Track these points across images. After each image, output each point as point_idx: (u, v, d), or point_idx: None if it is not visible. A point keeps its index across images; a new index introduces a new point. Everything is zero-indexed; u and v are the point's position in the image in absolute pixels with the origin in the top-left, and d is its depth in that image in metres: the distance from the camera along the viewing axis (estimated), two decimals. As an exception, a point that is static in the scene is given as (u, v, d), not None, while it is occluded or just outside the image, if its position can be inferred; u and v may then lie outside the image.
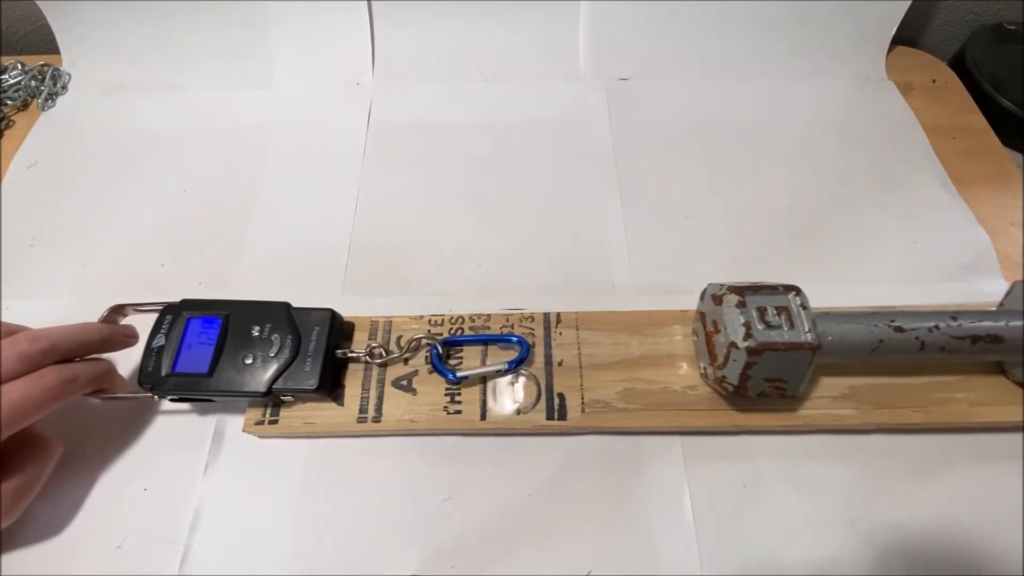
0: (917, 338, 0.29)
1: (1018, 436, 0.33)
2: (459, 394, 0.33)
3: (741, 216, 0.42)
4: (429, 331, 0.35)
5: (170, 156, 0.46)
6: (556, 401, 0.33)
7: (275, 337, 0.32)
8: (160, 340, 0.32)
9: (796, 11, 0.48)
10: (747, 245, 0.40)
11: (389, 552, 0.30)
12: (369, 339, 0.34)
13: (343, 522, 0.31)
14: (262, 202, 0.43)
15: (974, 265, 0.39)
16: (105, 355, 0.32)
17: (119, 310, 0.34)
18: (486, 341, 0.34)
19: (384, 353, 0.33)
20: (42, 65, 0.50)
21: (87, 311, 0.36)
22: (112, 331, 0.31)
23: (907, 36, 0.54)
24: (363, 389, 0.33)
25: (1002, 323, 0.30)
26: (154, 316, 0.33)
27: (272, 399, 0.32)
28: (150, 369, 0.31)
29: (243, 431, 0.32)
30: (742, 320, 0.28)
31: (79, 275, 0.39)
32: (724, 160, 0.45)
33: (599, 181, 0.44)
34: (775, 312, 0.28)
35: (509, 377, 0.33)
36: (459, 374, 0.32)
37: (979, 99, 0.48)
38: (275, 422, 0.32)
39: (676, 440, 0.33)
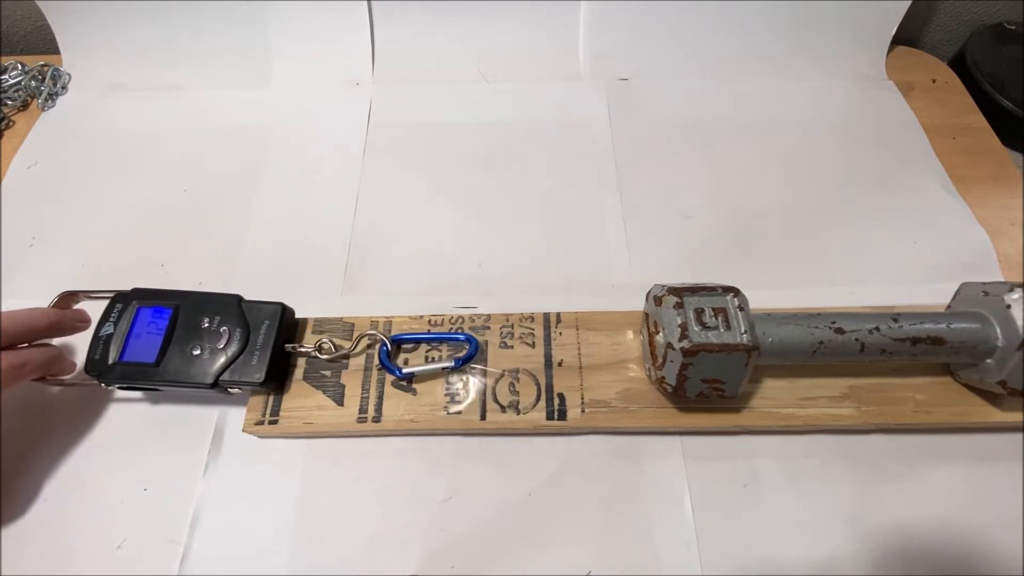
0: (857, 340, 0.29)
1: (1018, 436, 0.33)
2: (459, 394, 0.33)
3: (741, 216, 0.42)
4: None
5: (170, 156, 0.46)
6: (556, 401, 0.33)
7: (224, 329, 0.32)
8: (109, 328, 0.31)
9: (796, 11, 0.48)
10: (747, 245, 0.40)
11: (389, 552, 0.30)
12: (316, 334, 0.34)
13: (343, 522, 0.31)
14: (262, 202, 0.43)
15: (974, 265, 0.39)
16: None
17: (70, 297, 0.33)
18: (436, 340, 0.34)
19: (333, 348, 0.33)
20: (42, 65, 0.50)
21: (87, 311, 0.36)
22: (62, 316, 0.31)
23: (907, 36, 0.54)
24: (363, 389, 0.33)
25: (943, 325, 0.30)
26: (105, 304, 0.32)
27: (219, 391, 0.32)
28: (97, 357, 0.31)
29: (243, 431, 0.32)
30: (679, 321, 0.28)
31: (79, 275, 0.39)
32: (724, 160, 0.45)
33: (599, 181, 0.44)
34: (712, 313, 0.28)
35: (509, 378, 0.33)
36: (405, 371, 0.32)
37: (979, 99, 0.48)
38: (275, 422, 0.32)
39: (676, 440, 0.33)
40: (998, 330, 0.29)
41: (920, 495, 0.31)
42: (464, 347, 0.34)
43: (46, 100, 0.48)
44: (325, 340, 0.33)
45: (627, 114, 0.48)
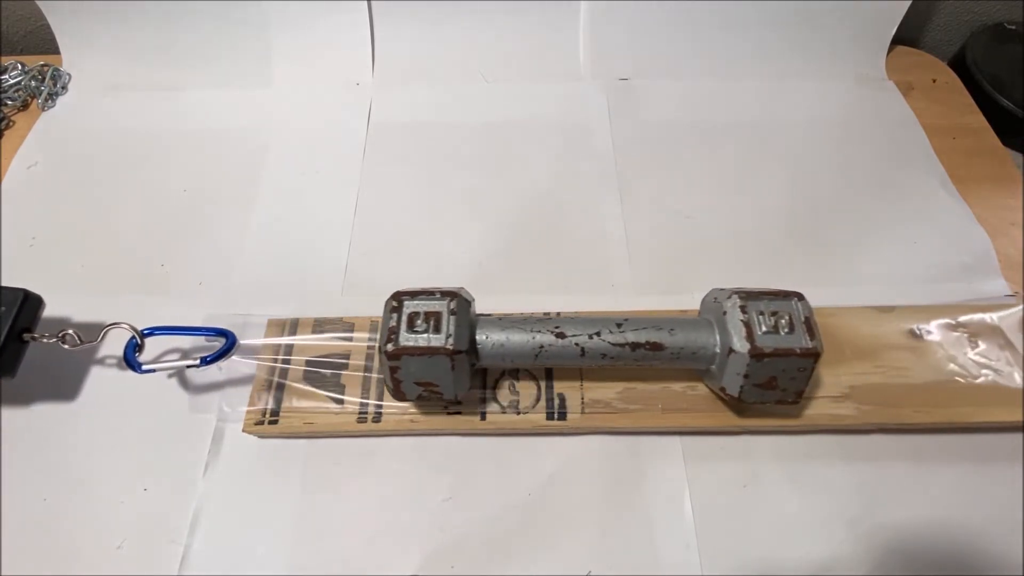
0: (577, 344, 0.30)
1: (1018, 436, 0.33)
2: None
3: (741, 216, 0.42)
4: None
5: (170, 156, 0.46)
6: (556, 401, 0.33)
7: None
8: None
9: (796, 11, 0.48)
10: (747, 245, 0.40)
11: (389, 552, 0.30)
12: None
13: (343, 522, 0.31)
14: (262, 202, 0.43)
15: (974, 265, 0.39)
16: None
17: None
18: (193, 333, 0.34)
19: (78, 340, 0.32)
20: (42, 65, 0.50)
21: (87, 311, 0.36)
22: None
23: (907, 36, 0.54)
24: (363, 389, 0.33)
25: (664, 331, 0.30)
26: None
27: None
28: None
29: (243, 431, 0.32)
30: (391, 325, 0.29)
31: (79, 275, 0.39)
32: (724, 160, 0.45)
33: (599, 181, 0.44)
34: (425, 318, 0.29)
35: (508, 379, 0.33)
36: (145, 367, 0.32)
37: (979, 99, 0.48)
38: (275, 422, 0.32)
39: (676, 440, 0.33)
40: (717, 336, 0.29)
41: (920, 495, 0.31)
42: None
43: (46, 100, 0.48)
44: (69, 330, 0.32)
45: (627, 114, 0.48)
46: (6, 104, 0.48)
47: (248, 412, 0.33)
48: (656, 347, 0.29)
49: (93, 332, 0.32)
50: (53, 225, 0.42)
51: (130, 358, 0.32)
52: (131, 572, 0.30)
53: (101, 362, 0.36)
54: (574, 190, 0.43)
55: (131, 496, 0.32)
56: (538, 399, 0.33)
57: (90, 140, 0.47)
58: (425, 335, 0.28)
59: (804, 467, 0.32)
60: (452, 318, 0.29)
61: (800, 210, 0.42)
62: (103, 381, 0.35)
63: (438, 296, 0.29)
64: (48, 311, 0.34)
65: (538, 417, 0.32)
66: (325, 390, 0.33)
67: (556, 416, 0.32)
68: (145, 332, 0.33)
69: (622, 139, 0.46)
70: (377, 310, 0.35)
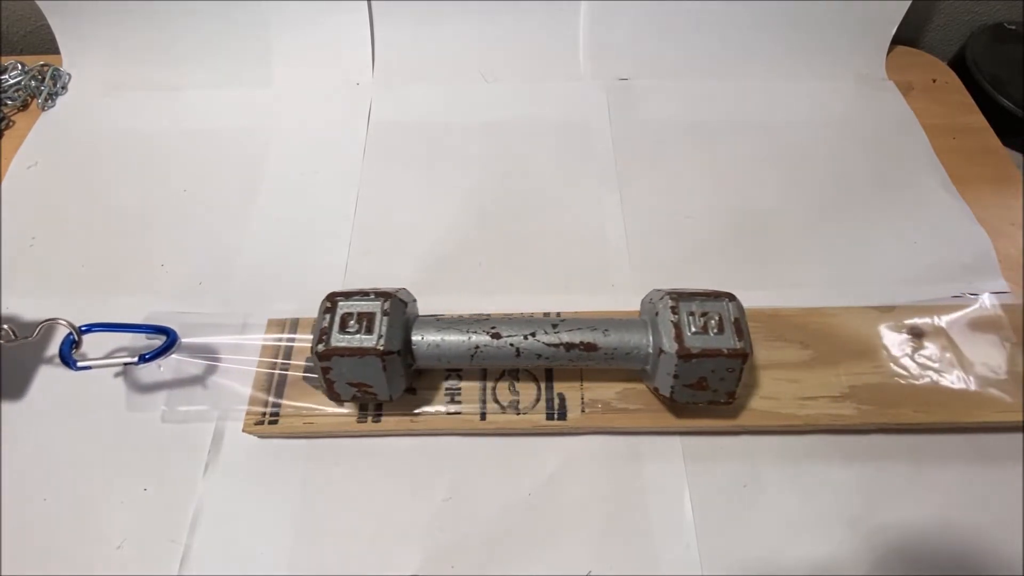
0: (512, 345, 0.30)
1: (1018, 436, 0.33)
2: (459, 393, 0.33)
3: (741, 216, 0.42)
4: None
5: (170, 156, 0.46)
6: (556, 401, 0.33)
7: None
8: None
9: (796, 11, 0.48)
10: (747, 245, 0.40)
11: (389, 552, 0.30)
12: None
13: (343, 522, 0.31)
14: (262, 202, 0.43)
15: (974, 265, 0.39)
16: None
17: None
18: (133, 330, 0.33)
19: (13, 335, 0.32)
20: (42, 65, 0.50)
21: (87, 311, 0.36)
22: None
23: (907, 36, 0.54)
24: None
25: (599, 332, 0.30)
26: None
27: None
28: None
29: (243, 431, 0.32)
30: (323, 326, 0.29)
31: (79, 275, 0.39)
32: (724, 160, 0.45)
33: (599, 181, 0.44)
34: (357, 319, 0.29)
35: (508, 379, 0.33)
36: (80, 364, 0.31)
37: (979, 99, 0.48)
38: (275, 422, 0.32)
39: (676, 440, 0.33)
40: (650, 337, 0.29)
41: (920, 495, 0.31)
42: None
43: (46, 100, 0.48)
44: (4, 326, 0.32)
45: (627, 114, 0.48)
46: (6, 104, 0.48)
47: (248, 412, 0.33)
48: (590, 347, 0.30)
49: (31, 329, 0.32)
50: (53, 225, 0.42)
51: (65, 354, 0.31)
52: (131, 572, 0.30)
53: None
54: (574, 190, 0.43)
55: (131, 496, 0.32)
56: (538, 399, 0.33)
57: (90, 140, 0.47)
58: (357, 336, 0.28)
59: (804, 467, 0.32)
60: (385, 319, 0.29)
61: (800, 210, 0.42)
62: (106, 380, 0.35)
63: (372, 297, 0.29)
64: (48, 311, 0.34)
65: (538, 417, 0.32)
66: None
67: (556, 416, 0.32)
68: (83, 329, 0.32)
69: (622, 139, 0.46)
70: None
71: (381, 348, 0.28)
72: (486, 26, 0.49)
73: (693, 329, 0.28)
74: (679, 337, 0.28)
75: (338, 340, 0.28)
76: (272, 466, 0.33)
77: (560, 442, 0.33)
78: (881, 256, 0.40)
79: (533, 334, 0.30)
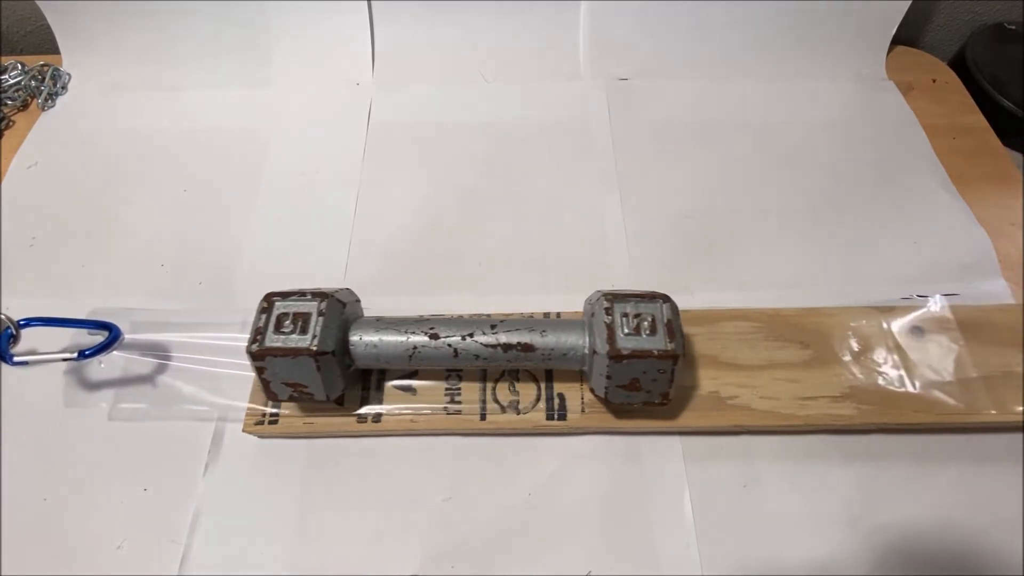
0: (450, 345, 0.30)
1: (1018, 436, 0.33)
2: (459, 393, 0.33)
3: (741, 216, 0.42)
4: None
5: (170, 156, 0.46)
6: (556, 401, 0.33)
7: None
8: None
9: (796, 11, 0.48)
10: (746, 245, 0.40)
11: (389, 552, 0.30)
12: None
13: (343, 522, 0.31)
14: (262, 202, 0.43)
15: (974, 265, 0.39)
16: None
17: None
18: (75, 325, 0.33)
19: None
20: (42, 65, 0.50)
21: (87, 311, 0.36)
22: None
23: (907, 36, 0.54)
24: (363, 390, 0.33)
25: (536, 332, 0.30)
26: None
27: None
28: None
29: (243, 431, 0.32)
30: (259, 325, 0.29)
31: (79, 275, 0.39)
32: (724, 160, 0.45)
33: (599, 181, 0.44)
34: (293, 319, 0.29)
35: (508, 378, 0.33)
36: (17, 359, 0.31)
37: (979, 99, 0.48)
38: (275, 422, 0.32)
39: (676, 440, 0.33)
40: (587, 338, 0.29)
41: (920, 495, 0.31)
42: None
43: (46, 100, 0.48)
44: None
45: (627, 114, 0.48)
46: (6, 104, 0.48)
47: (248, 412, 0.33)
48: (527, 348, 0.30)
49: None
50: (53, 225, 0.42)
51: (2, 349, 0.31)
52: (131, 572, 0.30)
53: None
54: (574, 190, 0.43)
55: (131, 496, 0.32)
56: (538, 399, 0.33)
57: (90, 140, 0.47)
58: (292, 336, 0.28)
59: (804, 467, 0.32)
60: (320, 319, 0.28)
61: (799, 210, 0.42)
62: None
63: (309, 297, 0.29)
64: (47, 311, 0.34)
65: (538, 417, 0.32)
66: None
67: (556, 416, 0.32)
68: (22, 323, 0.32)
69: (622, 139, 0.46)
70: (377, 310, 0.35)
71: (314, 349, 0.28)
72: (486, 26, 0.49)
73: (626, 330, 0.28)
74: (611, 338, 0.28)
75: (272, 340, 0.28)
76: (272, 466, 0.33)
77: (560, 442, 0.33)
78: (881, 256, 0.40)
79: (471, 334, 0.30)
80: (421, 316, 0.32)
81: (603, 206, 0.42)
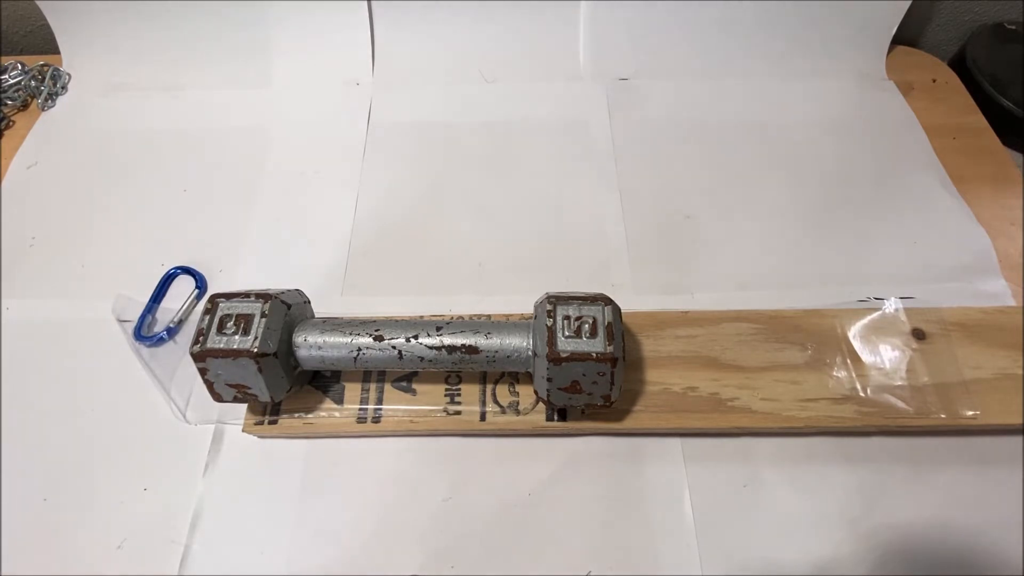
0: (394, 347, 0.30)
1: (1017, 438, 0.33)
2: (459, 394, 0.33)
3: (740, 216, 0.42)
4: None
5: (170, 156, 0.46)
6: (556, 401, 0.33)
7: None
8: None
9: (796, 11, 0.48)
10: (746, 245, 0.40)
11: (389, 552, 0.30)
12: None
13: (343, 522, 0.31)
14: (262, 202, 0.43)
15: (974, 265, 0.39)
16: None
17: None
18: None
19: None
20: (42, 65, 0.50)
21: (87, 311, 0.36)
22: None
23: (907, 36, 0.54)
24: (363, 390, 0.33)
25: (481, 335, 0.30)
26: None
27: None
28: None
29: (243, 431, 0.32)
30: (202, 327, 0.29)
31: (79, 275, 0.39)
32: (724, 160, 0.45)
33: (599, 181, 0.44)
34: (236, 321, 0.28)
35: (508, 379, 0.33)
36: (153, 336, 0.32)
37: (979, 99, 0.48)
38: (275, 422, 0.32)
39: (676, 440, 0.33)
40: (532, 340, 0.29)
41: (920, 496, 0.31)
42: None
43: (46, 100, 0.48)
44: None
45: (627, 114, 0.48)
46: (6, 104, 0.48)
47: (248, 412, 0.33)
48: (472, 350, 0.30)
49: None
50: (53, 225, 0.42)
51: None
52: (131, 572, 0.30)
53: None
54: (574, 190, 0.43)
55: (131, 496, 0.32)
56: (538, 400, 0.33)
57: (90, 140, 0.47)
58: (234, 337, 0.28)
59: (804, 468, 0.32)
60: (263, 321, 0.28)
61: (799, 210, 0.42)
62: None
63: (252, 299, 0.29)
64: (47, 311, 0.34)
65: (538, 417, 0.32)
66: (325, 391, 0.33)
67: (556, 416, 0.32)
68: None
69: (622, 139, 0.46)
70: (377, 310, 0.36)
71: (255, 350, 0.28)
72: (486, 26, 0.49)
73: (567, 333, 0.28)
74: (551, 341, 0.28)
75: (214, 341, 0.28)
76: (272, 466, 0.33)
77: (560, 442, 0.33)
78: (881, 256, 0.40)
79: (416, 336, 0.30)
80: (371, 318, 0.32)
81: (603, 206, 0.42)
